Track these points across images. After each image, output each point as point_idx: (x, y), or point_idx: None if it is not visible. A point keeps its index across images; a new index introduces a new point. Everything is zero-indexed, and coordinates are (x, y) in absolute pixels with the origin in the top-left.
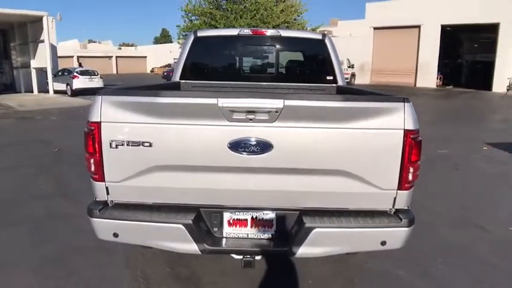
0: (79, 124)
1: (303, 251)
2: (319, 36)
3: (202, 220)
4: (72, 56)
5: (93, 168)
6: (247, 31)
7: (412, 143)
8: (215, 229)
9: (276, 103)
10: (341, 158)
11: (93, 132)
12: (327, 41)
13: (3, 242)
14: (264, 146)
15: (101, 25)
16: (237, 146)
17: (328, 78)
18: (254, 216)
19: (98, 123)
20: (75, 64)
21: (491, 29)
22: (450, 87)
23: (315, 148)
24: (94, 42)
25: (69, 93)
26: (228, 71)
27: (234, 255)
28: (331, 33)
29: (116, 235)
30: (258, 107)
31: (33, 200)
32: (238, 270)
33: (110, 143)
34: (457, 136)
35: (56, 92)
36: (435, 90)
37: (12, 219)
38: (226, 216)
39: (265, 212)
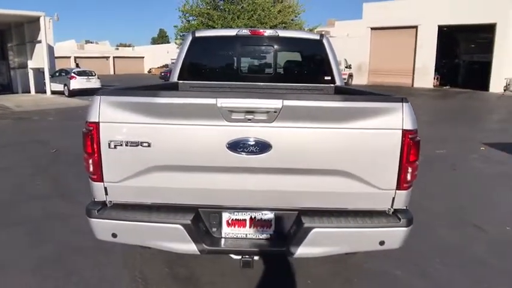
0: (76, 124)
1: (302, 251)
2: (317, 37)
3: (201, 220)
4: (70, 57)
5: (91, 169)
6: (245, 31)
7: (410, 143)
8: (214, 229)
9: (275, 103)
10: (340, 158)
11: (91, 133)
12: (324, 41)
13: (2, 243)
14: (262, 146)
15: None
16: (236, 146)
17: (326, 78)
18: (253, 217)
19: (97, 124)
20: (73, 65)
21: (488, 29)
22: (447, 87)
23: (313, 148)
24: (91, 42)
25: (67, 94)
26: (226, 71)
27: (232, 256)
28: (329, 34)
29: (114, 235)
30: (257, 107)
31: (30, 200)
32: (237, 270)
33: (109, 143)
34: (455, 136)
35: (53, 92)
36: (432, 90)
37: (10, 220)
38: (225, 216)
39: (263, 212)
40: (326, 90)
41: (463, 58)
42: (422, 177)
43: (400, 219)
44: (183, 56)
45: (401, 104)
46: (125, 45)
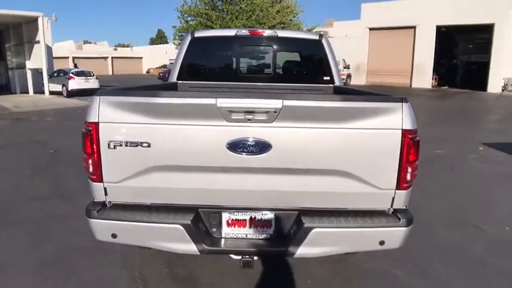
0: (75, 125)
1: (302, 251)
2: (316, 37)
3: (201, 220)
4: (68, 57)
5: (91, 169)
6: (244, 32)
7: (410, 142)
8: (214, 229)
9: (275, 103)
10: (340, 158)
11: (91, 133)
12: (323, 41)
13: (2, 243)
14: (262, 146)
15: (96, 26)
16: (236, 146)
17: (325, 78)
18: (253, 217)
19: (96, 124)
20: (71, 65)
21: (486, 30)
22: (445, 87)
23: (313, 148)
24: (89, 43)
25: (65, 94)
26: (225, 71)
27: (232, 256)
28: (327, 34)
29: (114, 236)
30: (257, 107)
31: (30, 201)
32: (236, 270)
33: (108, 144)
34: (453, 136)
35: (51, 93)
36: (431, 90)
37: (10, 220)
38: (225, 216)
39: (264, 212)
40: (325, 91)
41: (461, 58)
42: (421, 177)
43: (400, 219)
44: (182, 56)
45: (401, 104)
46: (123, 46)
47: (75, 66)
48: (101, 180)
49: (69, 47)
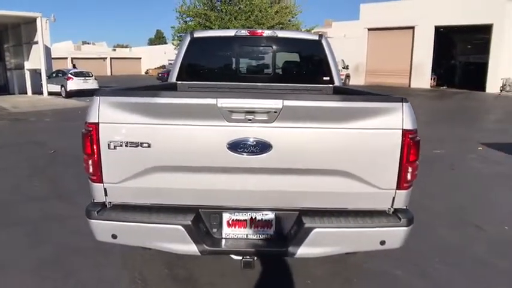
0: (74, 125)
1: (303, 251)
2: (316, 37)
3: (202, 221)
4: (66, 58)
5: (91, 170)
6: (244, 32)
7: (410, 142)
8: (214, 230)
9: (275, 103)
10: (340, 158)
11: (91, 133)
12: (323, 41)
13: (1, 243)
14: (263, 147)
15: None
16: (236, 146)
17: (324, 78)
18: (253, 217)
19: (96, 124)
20: (69, 66)
21: (485, 30)
22: (444, 87)
23: (314, 148)
24: (88, 43)
25: (64, 95)
26: (224, 71)
27: (233, 256)
28: (326, 34)
29: (114, 236)
30: (257, 107)
31: (29, 201)
32: (236, 271)
33: (108, 144)
34: (452, 136)
35: (50, 93)
36: (429, 90)
37: (8, 221)
38: (226, 217)
39: (264, 212)
40: (325, 91)
41: (459, 59)
42: (421, 177)
43: (400, 219)
44: (182, 57)
45: (401, 104)
46: (122, 46)
47: (74, 66)
48: (101, 180)
49: (67, 48)
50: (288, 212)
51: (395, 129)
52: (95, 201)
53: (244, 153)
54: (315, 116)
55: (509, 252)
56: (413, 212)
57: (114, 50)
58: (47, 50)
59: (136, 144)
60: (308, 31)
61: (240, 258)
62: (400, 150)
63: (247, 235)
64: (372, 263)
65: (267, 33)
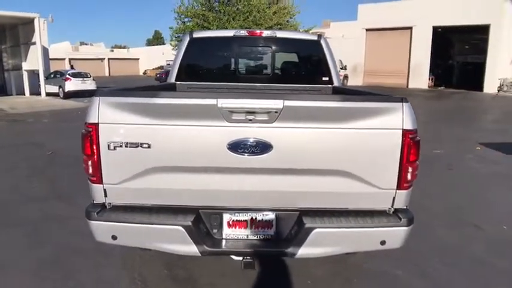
0: (72, 126)
1: (303, 251)
2: (315, 37)
3: (202, 222)
4: (64, 59)
5: (91, 170)
6: (243, 32)
7: (410, 142)
8: (215, 230)
9: (276, 103)
10: (341, 158)
11: (90, 134)
12: (322, 42)
13: (1, 243)
14: (263, 147)
15: (93, 27)
16: (237, 146)
17: (324, 79)
18: (254, 217)
19: (96, 125)
20: (67, 66)
21: (482, 31)
22: (442, 88)
23: (314, 148)
24: (86, 44)
25: (62, 96)
26: (223, 72)
27: (233, 257)
28: (324, 35)
29: (114, 237)
30: (258, 108)
31: (28, 202)
32: (236, 271)
33: (108, 145)
34: (451, 136)
35: (48, 94)
36: (427, 91)
37: (8, 221)
38: (226, 217)
39: (264, 212)
40: (324, 91)
41: (457, 59)
42: (420, 177)
43: (400, 219)
44: (181, 57)
45: (401, 104)
46: (120, 47)
47: (72, 67)
48: (100, 181)
49: (65, 49)
50: (288, 212)
51: (396, 129)
52: (94, 202)
53: (245, 154)
54: (316, 116)
55: (508, 251)
56: (413, 212)
57: (112, 50)
58: (45, 51)
59: (137, 145)
60: (306, 31)
61: (241, 258)
62: (400, 150)
63: (247, 236)
64: (372, 263)
65: (266, 33)
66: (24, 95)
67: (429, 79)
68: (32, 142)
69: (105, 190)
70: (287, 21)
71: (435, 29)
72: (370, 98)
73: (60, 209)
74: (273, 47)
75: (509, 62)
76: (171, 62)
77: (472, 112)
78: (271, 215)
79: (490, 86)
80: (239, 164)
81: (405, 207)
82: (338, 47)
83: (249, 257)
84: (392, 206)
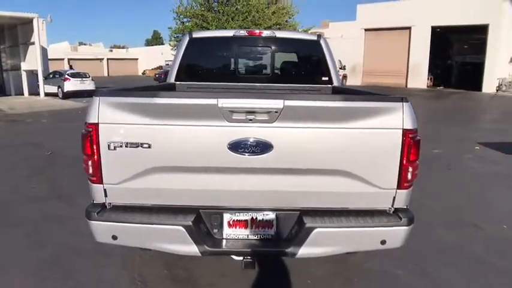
0: (71, 127)
1: (304, 251)
2: (314, 37)
3: (202, 221)
4: (63, 59)
5: (91, 171)
6: (242, 32)
7: (410, 142)
8: (215, 230)
9: (276, 103)
10: (341, 157)
11: (90, 134)
12: (322, 42)
13: (1, 243)
14: (264, 147)
15: (91, 27)
16: (237, 146)
17: (323, 79)
18: (254, 217)
19: (96, 125)
20: (66, 67)
21: (481, 30)
22: (441, 88)
23: (314, 148)
24: (85, 44)
25: (61, 96)
26: (223, 72)
27: (234, 257)
28: (323, 35)
29: (114, 237)
30: (258, 108)
31: (28, 202)
32: (237, 271)
33: (108, 145)
34: (450, 136)
35: (46, 94)
36: (426, 91)
37: (8, 221)
38: (226, 217)
39: (265, 212)
40: (324, 91)
41: (456, 59)
42: (420, 177)
43: (401, 218)
44: (180, 57)
45: (401, 103)
46: (119, 47)
47: (71, 67)
48: (100, 181)
49: (64, 49)
50: (288, 212)
51: (396, 129)
52: (94, 202)
53: (245, 154)
54: (316, 116)
55: (507, 251)
56: (413, 212)
57: (111, 50)
58: (44, 51)
59: (137, 145)
60: (305, 31)
61: (241, 258)
62: (400, 149)
63: (248, 235)
64: (372, 262)
65: (265, 33)
66: (23, 95)
67: (428, 79)
68: (31, 142)
69: (105, 190)
70: (286, 21)
71: (434, 29)
72: (370, 97)
73: (60, 209)
74: (273, 47)
75: (508, 61)
76: (170, 62)
77: (471, 112)
78: (271, 215)
79: (489, 85)
80: (239, 164)
81: (405, 207)
82: (337, 47)
83: (249, 257)
84: (392, 206)
